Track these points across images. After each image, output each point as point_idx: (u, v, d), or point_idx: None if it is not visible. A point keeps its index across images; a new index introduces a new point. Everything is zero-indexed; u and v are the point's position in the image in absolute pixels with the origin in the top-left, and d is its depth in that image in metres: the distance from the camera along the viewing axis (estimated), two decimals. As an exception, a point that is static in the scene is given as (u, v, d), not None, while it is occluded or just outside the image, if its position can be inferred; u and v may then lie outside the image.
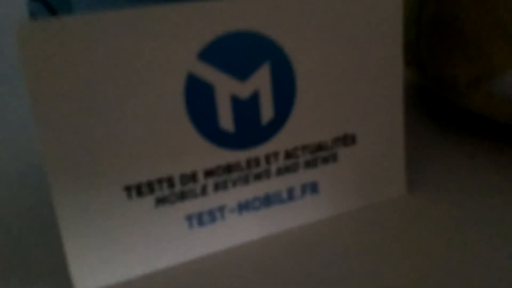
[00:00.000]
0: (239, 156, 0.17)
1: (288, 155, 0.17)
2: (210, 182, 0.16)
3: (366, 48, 0.17)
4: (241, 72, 0.16)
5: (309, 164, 0.18)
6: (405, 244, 0.17)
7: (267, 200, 0.17)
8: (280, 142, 0.17)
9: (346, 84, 0.17)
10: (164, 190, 0.16)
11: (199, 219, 0.17)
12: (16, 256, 0.17)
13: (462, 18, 0.21)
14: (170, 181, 0.16)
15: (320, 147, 0.18)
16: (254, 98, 0.16)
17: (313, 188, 0.18)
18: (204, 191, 0.16)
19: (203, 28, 0.15)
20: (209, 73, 0.15)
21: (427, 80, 0.24)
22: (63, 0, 0.16)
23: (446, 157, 0.22)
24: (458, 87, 0.22)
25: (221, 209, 0.17)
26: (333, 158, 0.18)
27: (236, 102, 0.16)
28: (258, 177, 0.17)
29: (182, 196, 0.16)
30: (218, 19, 0.15)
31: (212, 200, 0.17)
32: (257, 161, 0.17)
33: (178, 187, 0.16)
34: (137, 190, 0.15)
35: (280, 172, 0.17)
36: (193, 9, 0.15)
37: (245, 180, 0.17)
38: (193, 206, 0.16)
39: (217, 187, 0.17)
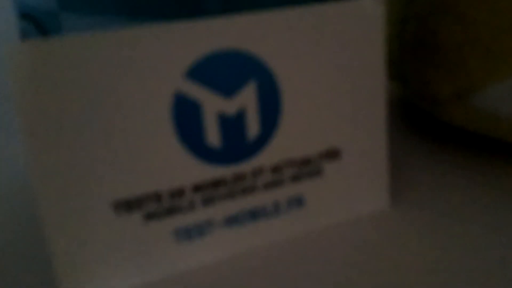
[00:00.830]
0: (226, 171, 0.17)
1: (274, 170, 0.18)
2: (198, 197, 0.17)
3: (349, 65, 0.18)
4: (228, 90, 0.16)
5: (295, 179, 0.18)
6: (388, 258, 0.17)
7: (254, 214, 0.18)
8: (266, 158, 0.17)
9: (330, 100, 0.18)
10: (152, 205, 0.16)
11: (187, 233, 0.17)
12: (3, 274, 0.18)
13: (443, 35, 0.21)
14: (158, 197, 0.16)
15: (305, 161, 0.18)
16: (241, 115, 0.17)
17: (299, 202, 0.18)
18: (192, 206, 0.17)
19: (190, 47, 0.15)
20: (196, 91, 0.16)
21: (410, 94, 0.25)
22: (52, 17, 0.17)
23: (430, 170, 0.23)
24: (439, 101, 0.22)
25: (209, 223, 0.17)
26: (318, 172, 0.18)
27: (223, 119, 0.16)
28: (244, 191, 0.17)
29: (170, 211, 0.16)
30: (204, 38, 0.16)
31: (200, 214, 0.17)
32: (243, 176, 0.17)
33: (166, 202, 0.16)
34: (126, 205, 0.16)
35: (266, 186, 0.18)
36: (180, 28, 0.15)
37: (232, 195, 0.17)
38: (181, 220, 0.17)
39: (204, 202, 0.17)
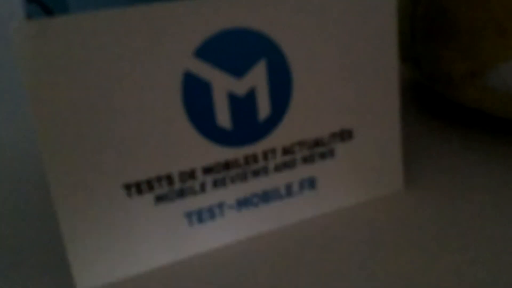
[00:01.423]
0: (237, 153, 0.17)
1: (286, 151, 0.17)
2: (209, 179, 0.17)
3: (362, 44, 0.17)
4: (238, 69, 0.16)
5: (307, 160, 0.18)
6: (402, 240, 0.17)
7: (266, 196, 0.18)
8: (277, 139, 0.17)
9: (342, 80, 0.17)
10: (163, 187, 0.16)
11: (198, 216, 0.17)
12: (18, 255, 0.17)
13: (454, 14, 0.21)
14: (169, 179, 0.16)
15: (317, 142, 0.18)
16: (251, 95, 0.16)
17: (311, 183, 0.18)
18: (203, 188, 0.16)
19: (198, 26, 0.15)
20: (205, 70, 0.16)
21: (423, 76, 0.24)
22: (59, 1, 0.17)
23: (443, 152, 0.22)
24: (453, 81, 0.22)
25: (220, 205, 0.17)
26: (331, 153, 0.18)
27: (233, 99, 0.16)
28: (256, 173, 0.17)
29: (181, 194, 0.16)
30: (213, 17, 0.15)
31: (211, 197, 0.17)
32: (255, 158, 0.17)
33: (177, 185, 0.16)
34: (137, 188, 0.16)
35: (278, 168, 0.17)
36: (189, 7, 0.15)
37: (243, 177, 0.17)
38: (192, 203, 0.16)
39: (215, 184, 0.17)
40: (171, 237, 0.16)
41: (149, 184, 0.16)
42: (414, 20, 0.23)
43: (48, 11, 0.17)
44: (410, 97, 0.29)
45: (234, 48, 0.16)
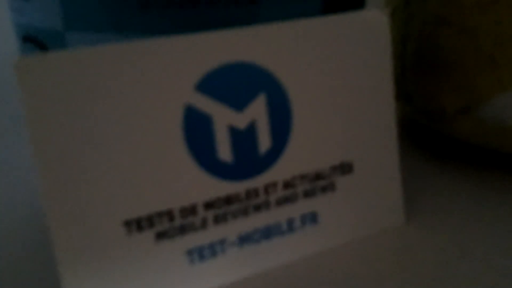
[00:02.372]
0: (238, 187, 0.16)
1: (287, 185, 0.17)
2: (210, 214, 0.16)
3: (359, 79, 0.18)
4: (238, 103, 0.16)
5: (308, 194, 0.18)
6: (404, 275, 0.17)
7: (267, 232, 0.17)
8: (278, 172, 0.17)
9: (341, 113, 0.18)
10: (164, 224, 0.16)
11: (200, 254, 0.16)
12: (9, 303, 0.17)
13: (446, 49, 0.21)
14: (170, 215, 0.16)
15: (318, 176, 0.18)
16: (252, 128, 0.16)
17: (313, 218, 0.18)
18: (204, 224, 0.16)
19: (200, 60, 0.15)
20: (206, 104, 0.15)
21: (416, 113, 0.25)
22: (57, 37, 0.16)
23: (440, 187, 0.22)
24: (446, 116, 0.22)
25: (222, 242, 0.17)
26: (331, 187, 0.18)
27: (234, 133, 0.16)
28: (257, 208, 0.17)
29: (182, 230, 0.16)
30: (214, 51, 0.15)
31: (213, 233, 0.16)
32: (256, 192, 0.17)
33: (178, 221, 0.16)
34: (137, 224, 0.15)
35: (280, 202, 0.17)
36: (190, 41, 0.15)
37: (245, 212, 0.17)
38: (193, 240, 0.16)
39: (217, 219, 0.16)
40: (172, 276, 0.16)
41: (150, 221, 0.15)
42: (405, 59, 0.24)
43: (45, 48, 0.17)
44: (403, 135, 0.29)
45: (234, 82, 0.16)
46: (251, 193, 0.17)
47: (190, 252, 0.16)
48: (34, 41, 0.17)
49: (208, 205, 0.16)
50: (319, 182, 0.18)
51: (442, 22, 0.21)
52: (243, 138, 0.16)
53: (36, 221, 0.22)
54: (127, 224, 0.15)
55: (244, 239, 0.17)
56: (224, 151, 0.16)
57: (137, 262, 0.15)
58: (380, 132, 0.18)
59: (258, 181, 0.17)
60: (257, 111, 0.16)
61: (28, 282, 0.18)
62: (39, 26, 0.17)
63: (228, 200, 0.16)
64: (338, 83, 0.17)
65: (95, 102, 0.14)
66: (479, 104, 0.21)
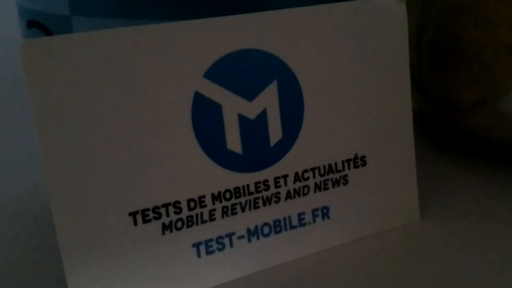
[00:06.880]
0: (248, 179, 0.16)
1: (298, 177, 0.17)
2: (218, 207, 0.16)
3: (374, 69, 0.17)
4: (248, 91, 0.15)
5: (320, 187, 0.17)
6: (419, 272, 0.16)
7: (277, 226, 0.17)
8: (289, 164, 0.16)
9: (354, 104, 0.17)
10: (170, 215, 0.15)
11: (207, 247, 0.16)
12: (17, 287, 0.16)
13: (464, 40, 0.21)
14: (177, 206, 0.15)
15: (330, 168, 0.17)
16: (262, 118, 0.16)
17: (324, 213, 0.17)
18: (212, 216, 0.16)
19: (209, 47, 0.15)
20: (216, 92, 0.15)
21: (431, 106, 0.24)
22: (63, 22, 0.16)
23: (455, 182, 0.22)
24: (463, 110, 0.22)
25: (230, 236, 0.16)
26: (344, 180, 0.17)
27: (244, 122, 0.15)
28: (267, 201, 0.16)
29: (190, 222, 0.15)
30: (224, 38, 0.15)
31: (220, 226, 0.16)
32: (266, 184, 0.16)
33: (185, 212, 0.15)
34: (143, 216, 0.15)
35: (290, 196, 0.17)
36: (199, 27, 0.14)
37: (254, 205, 0.16)
38: (200, 232, 0.16)
39: (225, 212, 0.16)
40: (179, 269, 0.15)
41: (156, 212, 0.15)
42: (420, 49, 0.23)
43: (50, 33, 0.16)
44: (418, 128, 0.28)
45: (244, 70, 0.15)
46: (261, 186, 0.16)
47: (197, 245, 0.16)
48: (39, 26, 0.17)
49: (216, 197, 0.16)
50: (331, 175, 0.17)
51: (460, 12, 0.21)
52: (253, 128, 0.16)
53: (40, 215, 0.21)
54: (134, 215, 0.15)
55: (253, 233, 0.16)
56: (234, 142, 0.15)
57: (143, 254, 0.15)
58: (395, 124, 0.18)
59: (268, 173, 0.16)
60: (268, 100, 0.16)
61: (33, 276, 0.17)
62: (45, 11, 0.17)
63: (237, 192, 0.16)
64: (352, 72, 0.17)
65: (101, 88, 0.14)
66: (497, 97, 0.20)
